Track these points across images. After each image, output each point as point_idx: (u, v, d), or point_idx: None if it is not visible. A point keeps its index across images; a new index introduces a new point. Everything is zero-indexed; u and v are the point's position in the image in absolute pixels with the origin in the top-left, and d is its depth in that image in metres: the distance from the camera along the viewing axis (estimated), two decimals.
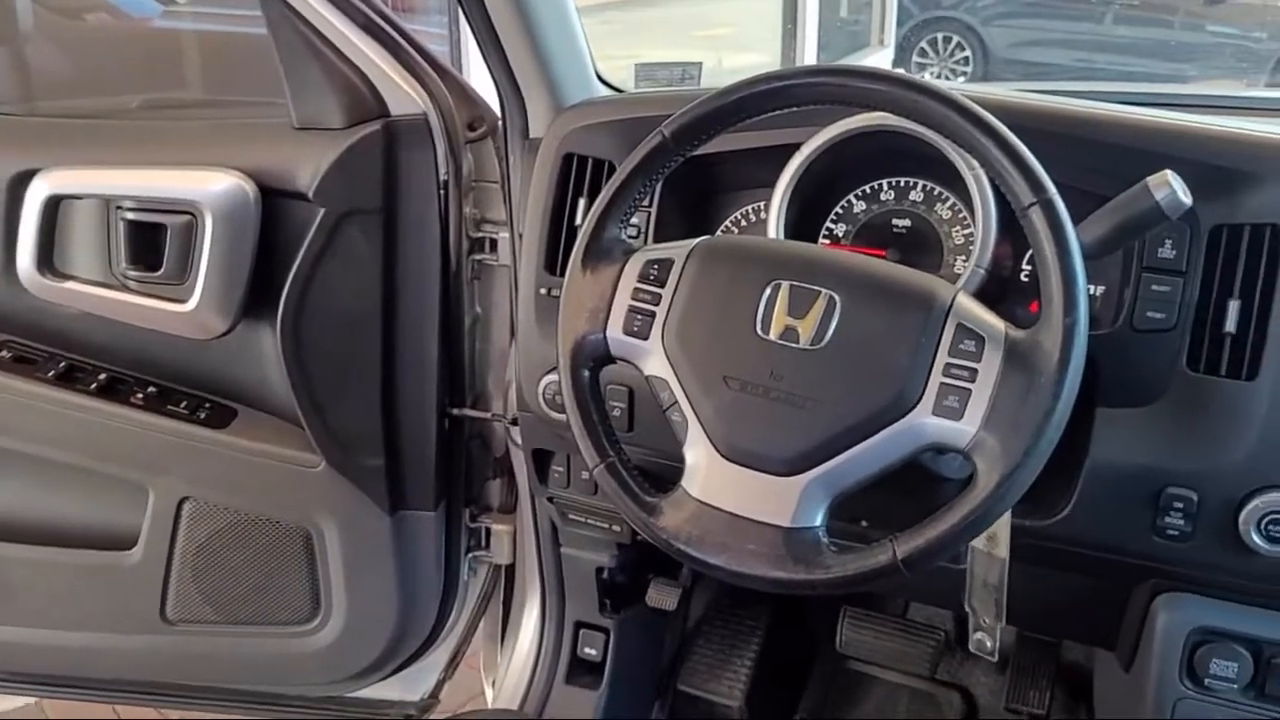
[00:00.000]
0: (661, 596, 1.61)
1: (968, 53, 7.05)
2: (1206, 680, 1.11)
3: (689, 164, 1.09)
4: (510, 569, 1.76)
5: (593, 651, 1.67)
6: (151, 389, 1.57)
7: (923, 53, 7.09)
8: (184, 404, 1.57)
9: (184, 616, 1.66)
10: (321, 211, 1.41)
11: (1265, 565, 1.02)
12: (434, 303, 1.50)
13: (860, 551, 0.91)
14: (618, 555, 1.57)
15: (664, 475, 1.03)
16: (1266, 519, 1.00)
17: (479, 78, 1.48)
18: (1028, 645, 1.74)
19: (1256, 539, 1.01)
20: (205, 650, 1.69)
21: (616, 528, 1.48)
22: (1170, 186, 0.93)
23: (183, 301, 1.43)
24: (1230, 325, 1.03)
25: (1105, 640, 1.28)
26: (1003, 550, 1.08)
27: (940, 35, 7.12)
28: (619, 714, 1.71)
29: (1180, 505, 1.04)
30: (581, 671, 1.68)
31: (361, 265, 1.46)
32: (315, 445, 1.52)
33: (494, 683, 1.79)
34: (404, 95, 1.43)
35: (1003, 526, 1.07)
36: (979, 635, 1.15)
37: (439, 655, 1.79)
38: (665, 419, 1.01)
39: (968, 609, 1.15)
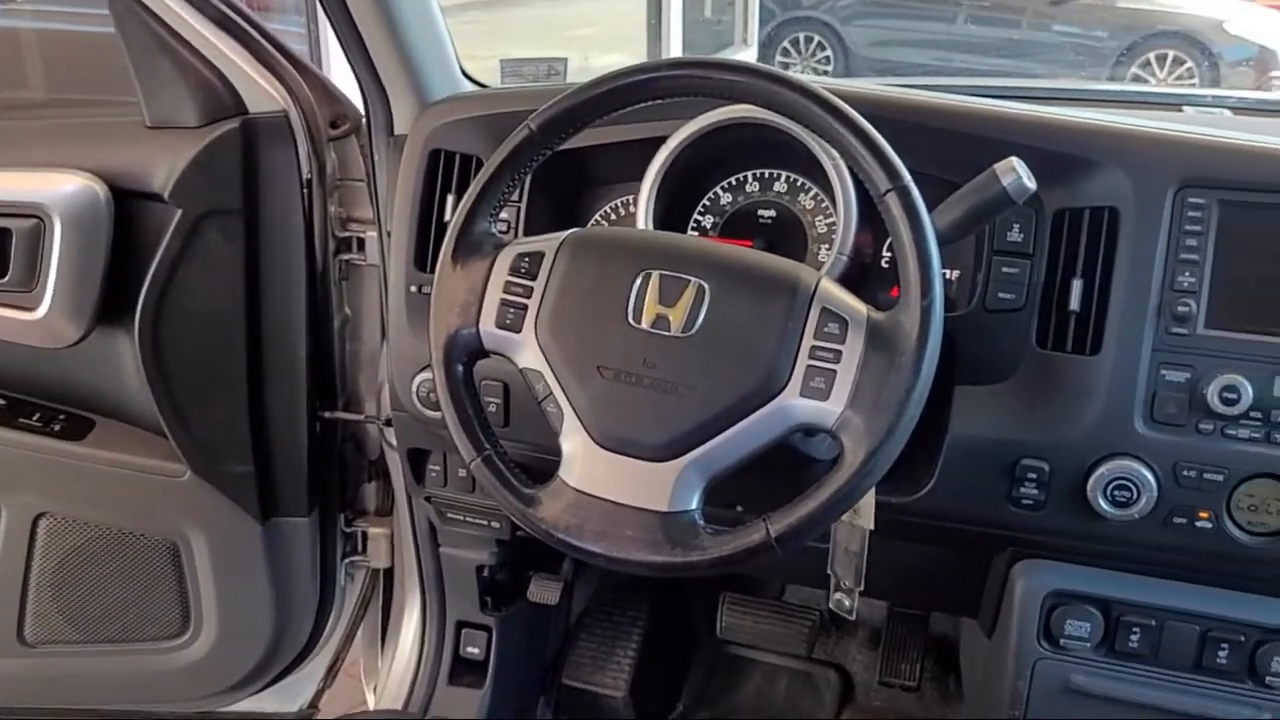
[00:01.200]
0: (543, 592, 1.62)
1: (829, 52, 7.22)
2: (1062, 640, 1.17)
3: (557, 158, 1.09)
4: (389, 572, 1.74)
5: (475, 650, 1.66)
6: (0, 401, 1.50)
7: (785, 52, 7.23)
8: (36, 416, 1.50)
9: (44, 638, 1.59)
10: (179, 213, 1.37)
11: (1112, 529, 1.08)
12: (300, 304, 1.47)
13: (735, 532, 0.93)
14: (498, 552, 1.57)
15: (542, 469, 1.03)
16: (1112, 485, 1.06)
17: (340, 75, 1.46)
18: (898, 620, 1.80)
19: (1103, 504, 1.06)
20: (68, 672, 1.62)
21: (496, 524, 1.48)
22: (1016, 172, 0.98)
23: (31, 309, 1.37)
24: (1074, 304, 1.09)
25: (969, 609, 1.33)
26: (865, 521, 1.12)
27: (802, 35, 7.27)
28: (504, 712, 1.70)
29: (1034, 476, 1.09)
30: (464, 671, 1.67)
31: (223, 267, 1.42)
32: (179, 454, 1.48)
33: (375, 688, 1.77)
34: (262, 92, 1.40)
35: (867, 500, 1.11)
36: (838, 596, 1.20)
37: (317, 665, 1.75)
38: (541, 412, 1.01)
39: (830, 573, 1.19)
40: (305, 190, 1.43)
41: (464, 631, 1.67)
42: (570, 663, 1.85)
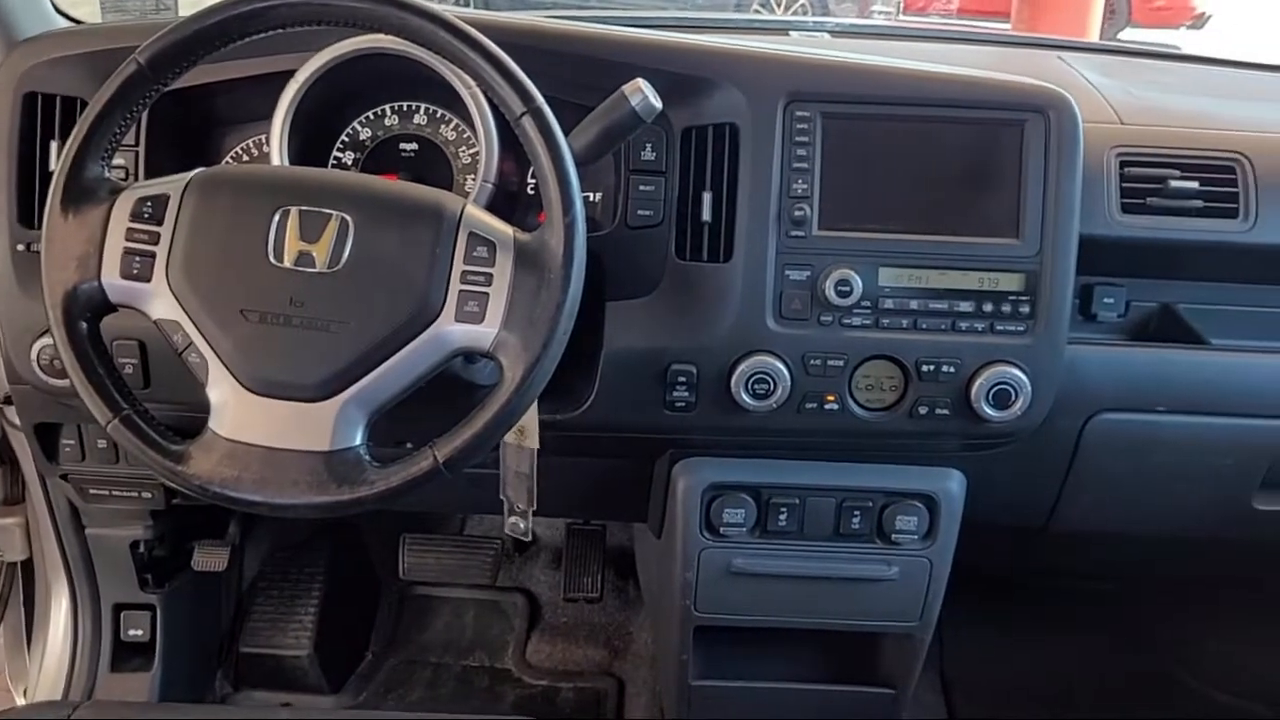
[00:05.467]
0: (209, 559, 1.54)
1: None
2: (721, 529, 1.27)
3: (177, 96, 1.03)
4: (28, 564, 1.59)
5: (138, 632, 1.56)
6: None
7: None
8: None
9: None
10: None
11: (755, 420, 1.17)
12: None
13: (402, 463, 0.93)
14: (154, 525, 1.48)
15: (194, 428, 0.98)
16: (752, 379, 1.15)
17: None
18: (577, 537, 1.88)
19: (746, 398, 1.15)
20: None
21: (148, 494, 1.38)
22: (643, 93, 1.03)
23: None
24: (706, 215, 1.16)
25: (639, 514, 1.41)
26: (532, 441, 1.15)
27: None
28: (177, 692, 1.61)
29: (684, 379, 1.17)
30: (129, 655, 1.57)
31: None
32: None
33: (25, 691, 1.61)
34: None
35: (531, 419, 1.14)
36: (513, 519, 1.24)
37: None
38: (183, 364, 0.96)
39: (502, 498, 1.22)
40: None
41: (124, 614, 1.56)
42: (247, 629, 1.78)
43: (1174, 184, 1.22)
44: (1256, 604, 1.92)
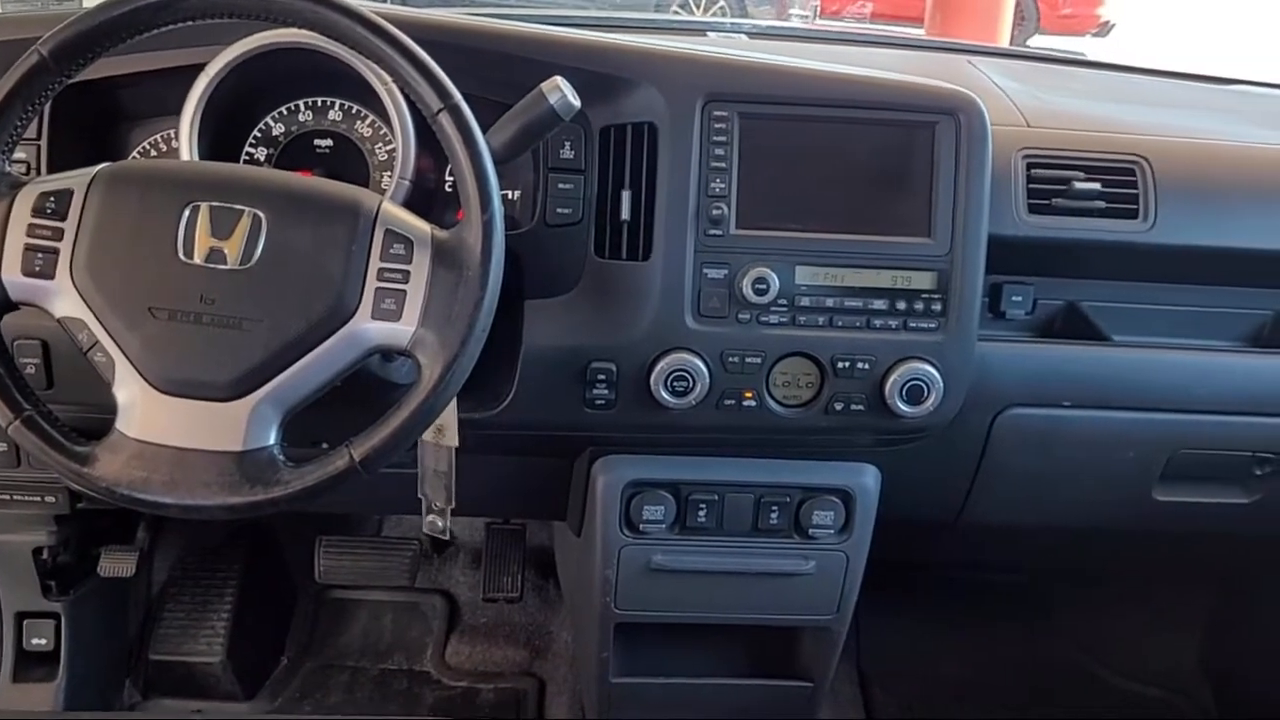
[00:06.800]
0: (116, 565, 1.50)
1: None
2: (641, 526, 1.27)
3: (83, 89, 1.00)
4: None
5: (42, 641, 1.51)
6: None
7: None
8: None
9: None
10: None
11: (674, 417, 1.18)
12: None
13: (318, 462, 0.92)
14: (57, 531, 1.44)
15: (101, 429, 0.95)
16: (671, 377, 1.15)
17: None
18: (496, 537, 1.87)
19: (665, 395, 1.16)
20: None
21: (52, 499, 1.34)
22: (561, 91, 1.03)
23: None
24: (625, 214, 1.16)
25: (559, 513, 1.41)
26: (450, 439, 1.14)
27: None
28: (84, 701, 1.57)
29: (603, 377, 1.17)
30: (32, 665, 1.52)
31: None
32: None
33: None
34: None
35: (449, 417, 1.13)
36: (431, 517, 1.23)
37: None
38: (89, 364, 0.93)
39: (420, 496, 1.21)
40: None
41: (26, 623, 1.51)
42: (157, 636, 1.74)
43: (1078, 185, 1.26)
44: (1153, 591, 1.99)
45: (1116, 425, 1.32)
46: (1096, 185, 1.26)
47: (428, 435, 1.13)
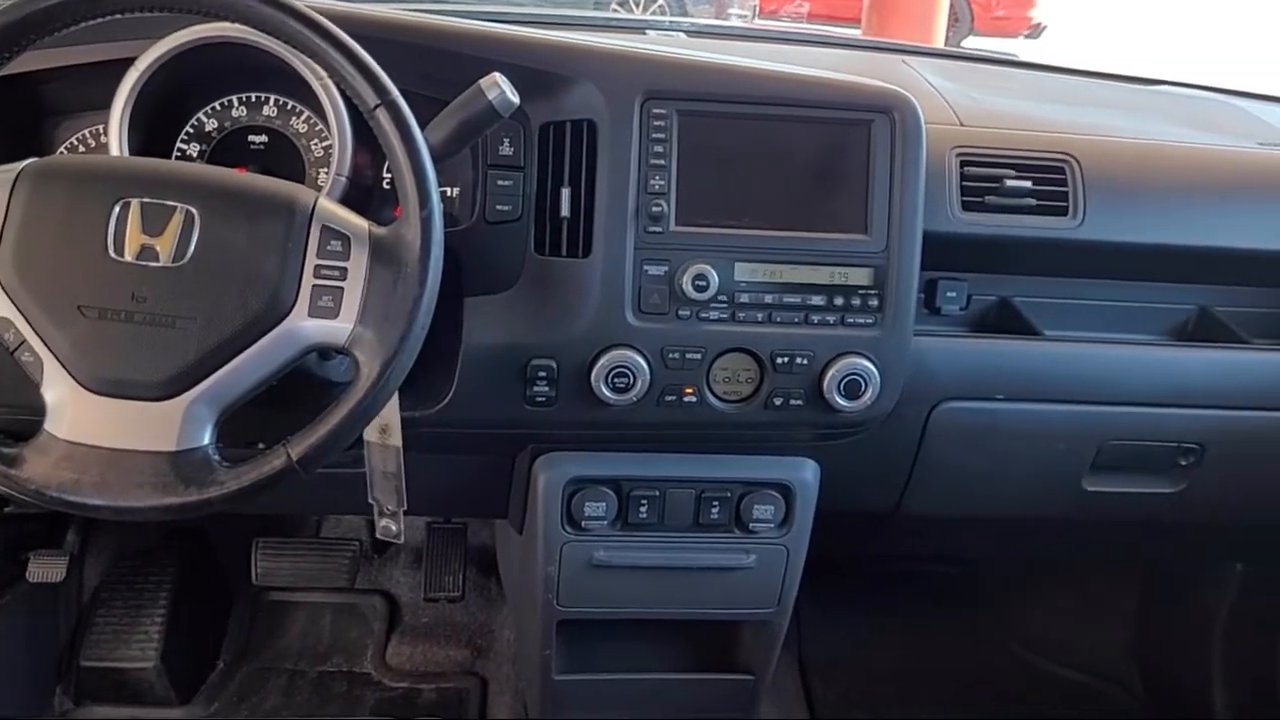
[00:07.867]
0: (45, 570, 1.47)
1: None
2: (583, 522, 1.27)
3: (7, 83, 0.98)
4: None
5: None
6: None
7: None
8: None
9: None
10: None
11: (615, 414, 1.18)
12: None
13: (254, 462, 0.91)
14: None
15: (26, 430, 0.93)
16: (612, 373, 1.16)
17: None
18: (438, 536, 1.86)
19: (606, 392, 1.16)
20: None
21: None
22: (500, 87, 1.02)
23: None
24: (565, 211, 1.16)
25: (500, 510, 1.40)
26: (396, 439, 1.14)
27: None
28: (11, 710, 1.53)
29: (544, 374, 1.17)
30: None
31: None
32: None
33: None
34: None
35: (394, 416, 1.12)
36: (384, 522, 1.21)
37: None
38: (15, 363, 0.91)
39: (371, 500, 1.20)
40: None
41: None
42: (89, 642, 1.70)
43: (1009, 183, 1.28)
44: (1085, 580, 2.04)
45: (1048, 417, 1.35)
46: (1027, 183, 1.29)
47: (373, 435, 1.12)
